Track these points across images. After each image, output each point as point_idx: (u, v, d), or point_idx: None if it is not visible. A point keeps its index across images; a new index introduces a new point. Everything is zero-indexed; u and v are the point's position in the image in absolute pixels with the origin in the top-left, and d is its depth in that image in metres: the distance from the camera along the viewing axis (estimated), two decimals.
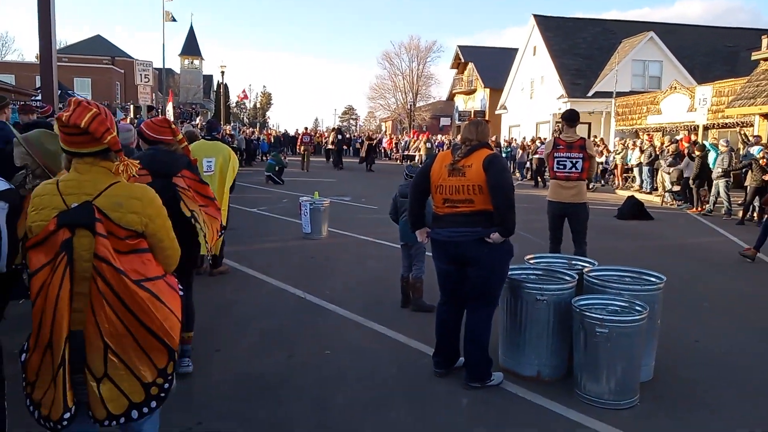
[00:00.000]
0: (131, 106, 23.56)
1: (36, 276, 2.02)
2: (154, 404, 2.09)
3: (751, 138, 14.56)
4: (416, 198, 4.01)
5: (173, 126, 3.71)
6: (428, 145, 24.85)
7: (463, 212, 3.67)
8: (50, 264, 2.01)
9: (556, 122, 27.73)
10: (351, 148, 33.86)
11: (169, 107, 21.20)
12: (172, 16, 28.20)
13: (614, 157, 19.98)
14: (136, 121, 13.76)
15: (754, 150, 12.53)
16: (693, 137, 16.88)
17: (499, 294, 3.89)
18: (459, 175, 3.68)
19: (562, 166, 6.00)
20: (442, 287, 4.00)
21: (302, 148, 23.53)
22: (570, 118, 6.01)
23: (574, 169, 5.89)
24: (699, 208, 13.71)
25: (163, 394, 2.10)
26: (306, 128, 27.76)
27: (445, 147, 24.60)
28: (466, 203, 3.66)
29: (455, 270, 3.82)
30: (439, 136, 31.65)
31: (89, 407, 2.06)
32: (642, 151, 17.76)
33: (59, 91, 13.23)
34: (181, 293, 2.25)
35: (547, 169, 6.31)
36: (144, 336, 2.05)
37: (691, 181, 13.99)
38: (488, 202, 3.62)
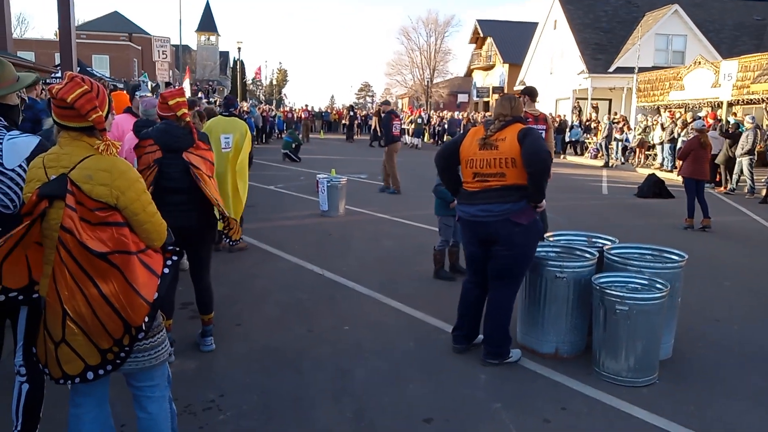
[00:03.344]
0: (148, 84, 23.61)
1: None
2: (110, 368, 2.15)
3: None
4: (444, 167, 3.96)
5: (180, 99, 3.61)
6: (419, 120, 26.52)
7: (494, 187, 3.61)
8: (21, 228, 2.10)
9: (576, 99, 27.36)
10: (361, 125, 34.44)
11: (186, 84, 21.24)
12: None
13: (635, 135, 19.63)
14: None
15: None
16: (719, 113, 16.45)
17: (524, 274, 3.87)
18: (491, 149, 3.62)
19: None
20: (469, 266, 3.99)
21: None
22: (532, 92, 6.64)
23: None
24: (724, 187, 13.44)
25: (118, 361, 2.14)
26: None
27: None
28: (498, 177, 3.60)
29: (484, 252, 3.78)
30: (456, 113, 31.29)
31: (46, 366, 2.16)
32: (663, 129, 17.41)
33: (78, 68, 13.30)
34: (165, 271, 2.23)
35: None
36: (102, 307, 2.08)
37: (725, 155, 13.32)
38: (520, 177, 3.56)
